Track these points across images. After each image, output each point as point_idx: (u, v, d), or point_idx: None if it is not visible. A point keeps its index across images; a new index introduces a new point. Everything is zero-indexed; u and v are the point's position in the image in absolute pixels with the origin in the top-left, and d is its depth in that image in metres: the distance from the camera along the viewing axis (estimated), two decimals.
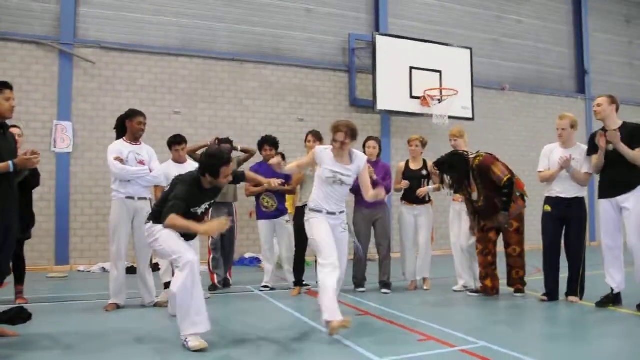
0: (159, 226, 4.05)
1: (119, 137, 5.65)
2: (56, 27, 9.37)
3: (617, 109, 5.40)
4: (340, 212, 4.65)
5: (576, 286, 5.54)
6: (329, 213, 4.56)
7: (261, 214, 6.78)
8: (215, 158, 4.12)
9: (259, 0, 10.85)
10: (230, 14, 10.61)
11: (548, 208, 5.67)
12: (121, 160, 5.40)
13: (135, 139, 5.63)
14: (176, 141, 6.36)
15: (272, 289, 6.69)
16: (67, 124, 9.27)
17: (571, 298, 5.54)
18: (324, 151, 4.63)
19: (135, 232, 5.49)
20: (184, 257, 3.90)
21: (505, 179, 5.69)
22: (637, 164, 5.05)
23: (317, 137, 6.50)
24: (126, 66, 9.77)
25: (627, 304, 5.26)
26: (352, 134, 4.56)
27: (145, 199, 5.57)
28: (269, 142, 6.89)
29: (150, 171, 5.56)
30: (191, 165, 6.44)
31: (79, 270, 8.96)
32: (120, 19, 9.85)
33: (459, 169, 5.89)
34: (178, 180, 4.23)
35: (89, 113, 9.48)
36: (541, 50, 13.99)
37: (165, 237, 4.02)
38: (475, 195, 5.93)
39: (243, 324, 4.83)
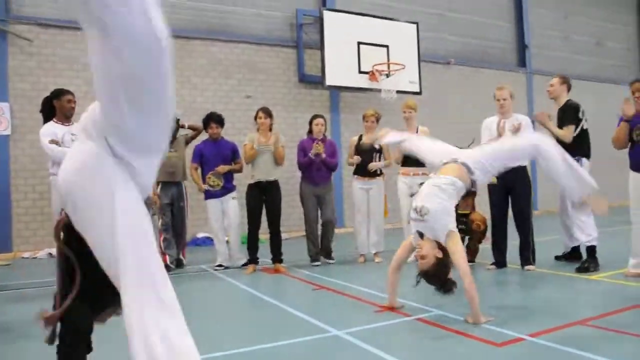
0: None
1: (47, 120, 5.45)
2: None
3: (568, 89, 5.87)
4: None
5: (529, 254, 5.75)
6: None
7: (208, 194, 6.72)
8: None
9: None
10: None
11: (494, 180, 5.85)
12: (57, 143, 5.24)
13: (66, 119, 5.46)
14: None
15: (226, 267, 6.68)
16: (3, 105, 8.86)
17: (528, 267, 5.71)
18: None
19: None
20: None
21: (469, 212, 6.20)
22: (565, 141, 5.34)
23: (267, 113, 6.51)
24: (67, 44, 9.37)
25: None
26: None
27: None
28: (214, 120, 6.80)
29: None
30: None
31: (23, 257, 8.66)
32: None
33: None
34: None
35: (28, 93, 9.07)
36: (484, 25, 14.28)
37: None
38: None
39: (197, 302, 4.82)
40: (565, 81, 5.95)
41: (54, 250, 8.46)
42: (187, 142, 7.26)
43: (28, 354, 3.47)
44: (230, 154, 6.74)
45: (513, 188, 5.77)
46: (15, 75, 9.00)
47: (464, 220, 6.06)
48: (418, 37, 11.74)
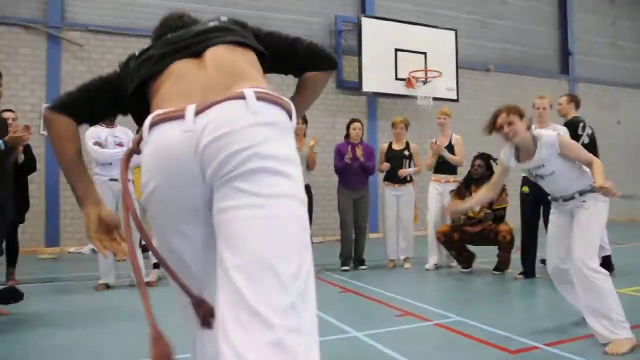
0: None
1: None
2: (43, 10, 9.40)
3: (576, 106, 6.03)
4: None
5: (525, 261, 5.81)
6: None
7: None
8: None
9: None
10: None
11: (526, 189, 5.86)
12: (100, 145, 5.54)
13: (109, 122, 5.70)
14: None
15: None
16: None
17: (519, 276, 5.78)
18: None
19: (119, 212, 5.64)
20: None
21: (506, 205, 6.28)
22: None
23: (303, 119, 6.68)
24: (115, 49, 9.81)
25: None
26: None
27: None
28: None
29: None
30: None
31: (69, 252, 9.11)
32: (108, 1, 9.87)
33: (489, 167, 6.44)
34: None
35: None
36: (526, 31, 14.13)
37: None
38: (477, 208, 6.22)
39: None
40: (573, 99, 6.21)
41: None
42: None
43: (72, 342, 3.74)
44: None
45: (545, 198, 5.76)
46: (68, 79, 9.48)
47: (497, 215, 6.23)
48: (457, 43, 11.74)
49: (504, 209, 6.27)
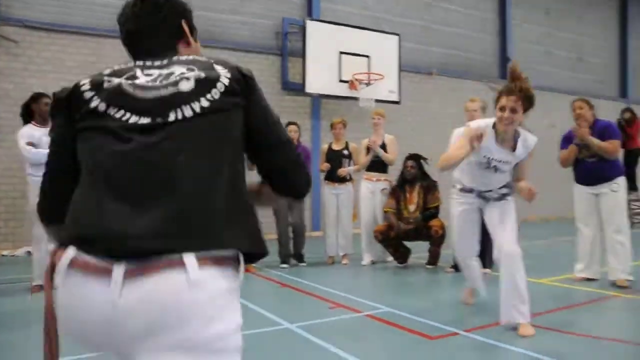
0: None
1: (26, 122, 5.65)
2: None
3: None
4: None
5: (484, 258, 5.81)
6: None
7: None
8: None
9: None
10: None
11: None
12: (33, 144, 5.44)
13: (44, 121, 5.62)
14: None
15: None
16: None
17: (484, 270, 5.85)
18: None
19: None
20: None
21: (438, 203, 6.55)
22: None
23: None
24: (52, 46, 9.59)
25: None
26: None
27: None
28: None
29: None
30: None
31: (2, 255, 8.84)
32: None
33: (421, 167, 6.70)
34: None
35: (12, 94, 9.26)
36: (468, 37, 14.59)
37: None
38: (412, 208, 6.48)
39: None
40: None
41: (32, 248, 8.67)
42: None
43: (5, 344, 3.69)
44: None
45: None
46: (1, 76, 9.21)
47: (429, 214, 6.46)
48: (400, 48, 12.03)
49: (437, 207, 6.52)
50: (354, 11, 12.53)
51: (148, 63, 1.46)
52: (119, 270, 1.14)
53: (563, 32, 16.62)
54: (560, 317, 4.04)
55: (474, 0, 14.79)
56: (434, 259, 6.47)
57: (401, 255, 6.66)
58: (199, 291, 1.16)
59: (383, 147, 6.88)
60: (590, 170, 5.34)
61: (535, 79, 15.46)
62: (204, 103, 1.33)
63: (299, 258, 6.89)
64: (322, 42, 10.97)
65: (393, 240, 6.54)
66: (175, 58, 1.49)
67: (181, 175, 1.23)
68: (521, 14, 15.60)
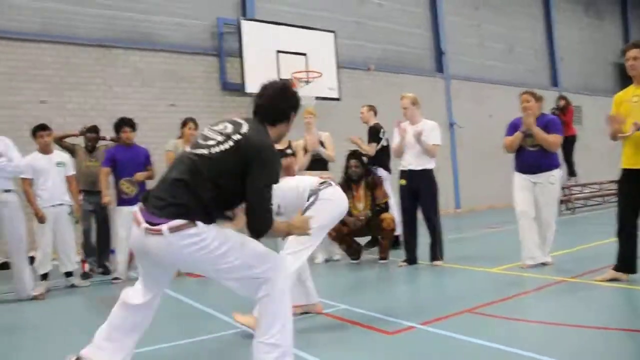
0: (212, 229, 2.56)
1: None
2: None
3: (375, 114, 7.45)
4: None
5: (436, 251, 6.15)
6: None
7: (121, 200, 6.46)
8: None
9: None
10: None
11: (403, 182, 6.26)
12: None
13: None
14: (41, 127, 6.18)
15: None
16: None
17: (436, 262, 6.10)
18: None
19: (6, 225, 5.36)
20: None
21: (387, 199, 6.70)
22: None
23: (196, 124, 6.82)
24: None
25: None
26: None
27: (9, 190, 5.44)
28: (127, 123, 6.68)
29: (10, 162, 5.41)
30: (59, 156, 6.34)
31: None
32: None
33: (364, 165, 6.79)
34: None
35: None
36: (402, 33, 14.87)
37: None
38: (360, 206, 6.59)
39: None
40: (372, 109, 7.74)
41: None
42: None
43: None
44: (144, 159, 6.64)
45: (420, 189, 6.15)
46: None
47: (379, 209, 6.57)
48: (336, 44, 12.14)
49: (386, 203, 6.64)
50: (289, 9, 12.56)
51: None
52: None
53: (493, 25, 17.20)
54: (512, 305, 4.22)
55: None
56: (384, 252, 6.60)
57: (354, 251, 6.75)
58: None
59: (321, 144, 6.95)
60: (530, 158, 5.59)
61: (470, 71, 16.05)
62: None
63: None
64: (259, 41, 10.95)
65: (346, 237, 6.62)
66: None
67: None
68: (451, 8, 16.03)
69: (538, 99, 5.66)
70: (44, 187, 5.96)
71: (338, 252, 6.99)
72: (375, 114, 7.89)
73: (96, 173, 6.83)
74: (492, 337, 3.29)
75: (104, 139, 7.45)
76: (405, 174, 6.23)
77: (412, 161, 6.15)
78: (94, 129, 7.36)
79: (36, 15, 9.72)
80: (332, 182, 4.13)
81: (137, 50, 10.61)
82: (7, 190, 5.41)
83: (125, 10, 10.54)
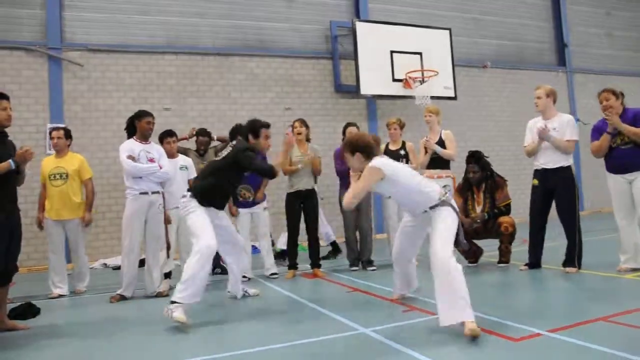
0: (194, 203, 4.72)
1: (129, 136, 5.93)
2: (43, 32, 9.58)
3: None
4: None
5: (573, 256, 5.62)
6: None
7: (238, 203, 6.75)
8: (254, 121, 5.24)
9: None
10: (213, 9, 10.81)
11: (536, 182, 5.86)
12: (133, 158, 5.69)
13: (144, 138, 5.90)
14: (167, 134, 6.62)
15: (249, 279, 6.52)
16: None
17: (569, 269, 5.60)
18: None
19: (148, 224, 5.80)
20: (202, 241, 4.49)
21: (509, 201, 6.38)
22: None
23: (303, 123, 6.88)
24: (114, 66, 9.98)
25: None
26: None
27: (157, 192, 5.87)
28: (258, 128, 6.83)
29: (160, 168, 5.86)
30: (183, 160, 6.73)
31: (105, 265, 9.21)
32: (105, 20, 10.04)
33: (486, 169, 6.45)
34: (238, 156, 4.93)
35: (80, 115, 9.71)
36: (520, 26, 14.22)
37: (196, 217, 4.67)
38: (479, 209, 6.36)
39: (240, 305, 5.13)
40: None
41: (108, 261, 9.00)
42: (217, 153, 7.65)
43: (91, 350, 3.85)
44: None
45: (555, 189, 5.71)
46: (70, 99, 9.65)
47: (498, 212, 6.30)
48: (451, 42, 11.85)
49: (508, 205, 6.33)
50: (402, 9, 12.46)
51: None
52: None
53: (623, 12, 15.93)
54: None
55: None
56: (505, 257, 6.31)
57: (472, 254, 6.53)
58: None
59: (441, 143, 6.76)
60: (624, 157, 5.26)
61: (595, 63, 14.99)
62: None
63: (368, 263, 6.84)
64: (373, 42, 10.95)
65: None
66: None
67: None
68: None
69: (618, 95, 5.34)
70: (169, 190, 6.31)
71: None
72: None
73: None
74: (629, 348, 3.04)
75: (212, 139, 7.79)
76: (538, 173, 5.83)
77: (547, 159, 5.73)
78: (205, 132, 7.68)
79: (161, 29, 10.42)
80: (450, 190, 4.20)
81: (253, 57, 11.04)
82: (155, 192, 5.83)
83: (240, 19, 11.00)
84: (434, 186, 4.09)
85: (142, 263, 5.89)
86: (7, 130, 4.55)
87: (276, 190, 9.45)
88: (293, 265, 6.74)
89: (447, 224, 3.91)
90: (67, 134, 6.62)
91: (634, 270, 5.29)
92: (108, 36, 10.03)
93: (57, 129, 6.66)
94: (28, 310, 4.95)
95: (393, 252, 4.75)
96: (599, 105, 5.53)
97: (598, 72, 15.05)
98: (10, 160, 4.30)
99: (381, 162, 4.00)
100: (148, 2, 10.36)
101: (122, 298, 5.71)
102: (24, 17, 9.54)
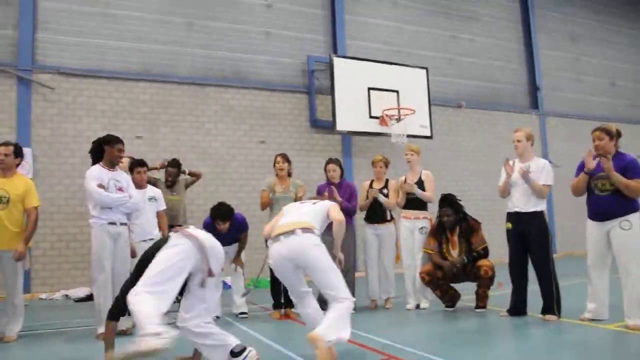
0: None
1: (94, 161, 5.55)
2: (14, 53, 9.29)
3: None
4: None
5: (551, 303, 5.48)
6: None
7: None
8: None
9: (218, 24, 10.96)
10: (190, 39, 10.69)
11: (509, 225, 5.77)
12: (103, 187, 5.34)
13: (112, 165, 5.55)
14: (138, 163, 6.39)
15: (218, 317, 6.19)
16: (26, 150, 9.13)
17: (548, 317, 5.45)
18: None
19: (117, 256, 5.45)
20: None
21: (485, 245, 6.21)
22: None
23: (285, 159, 6.76)
24: (86, 91, 9.72)
25: None
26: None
27: (125, 224, 5.57)
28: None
29: (130, 198, 5.55)
30: (151, 190, 6.50)
31: (40, 298, 8.80)
32: (80, 44, 9.81)
33: (459, 212, 6.30)
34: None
35: (48, 139, 9.39)
36: (495, 68, 14.48)
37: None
38: (455, 253, 6.21)
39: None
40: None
41: (70, 292, 8.62)
42: (187, 187, 7.50)
43: None
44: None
45: (529, 232, 5.61)
46: (38, 122, 9.33)
47: (476, 256, 6.15)
48: (428, 81, 11.94)
49: (485, 248, 6.22)
50: (380, 46, 12.56)
51: None
52: None
53: (592, 58, 16.40)
54: None
55: (498, 29, 14.70)
56: (482, 301, 6.18)
57: (450, 298, 6.39)
58: None
59: (420, 183, 6.67)
60: (601, 204, 5.15)
61: (567, 107, 15.30)
62: None
63: None
64: (350, 78, 10.95)
65: (441, 282, 6.28)
66: None
67: None
68: (546, 41, 15.45)
69: (613, 136, 5.18)
70: (136, 222, 6.05)
71: (426, 299, 6.61)
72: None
73: (176, 207, 6.97)
74: None
75: (183, 172, 7.61)
76: (511, 216, 5.75)
77: (520, 202, 5.65)
78: (176, 163, 7.52)
79: (137, 56, 10.25)
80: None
81: (228, 88, 10.91)
82: (123, 224, 5.51)
83: (218, 49, 10.90)
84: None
85: (90, 297, 5.45)
86: None
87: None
88: (279, 305, 6.45)
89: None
90: (18, 152, 5.59)
91: (592, 320, 5.22)
92: (81, 60, 9.78)
93: (7, 144, 5.57)
94: None
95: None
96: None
97: (570, 115, 15.36)
98: None
99: None
100: (124, 28, 10.18)
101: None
102: None
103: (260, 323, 6.08)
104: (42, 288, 9.05)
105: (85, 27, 9.89)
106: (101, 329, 5.21)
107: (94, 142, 5.63)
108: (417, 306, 6.58)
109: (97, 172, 5.41)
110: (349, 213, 6.56)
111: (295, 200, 6.39)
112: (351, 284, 6.60)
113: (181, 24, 10.64)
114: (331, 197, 6.48)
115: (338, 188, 6.51)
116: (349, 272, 6.61)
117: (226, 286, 7.64)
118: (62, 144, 9.44)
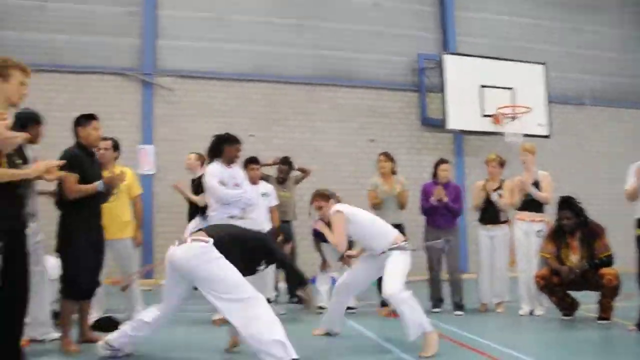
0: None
1: (212, 158, 5.78)
2: (139, 59, 10.01)
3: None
4: None
5: None
6: None
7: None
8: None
9: (328, 25, 11.11)
10: (301, 39, 10.92)
11: (639, 231, 5.27)
12: (223, 184, 5.60)
13: (229, 162, 5.76)
14: (251, 160, 6.59)
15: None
16: (149, 148, 9.82)
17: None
18: None
19: None
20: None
21: (610, 252, 5.71)
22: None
23: (388, 157, 6.71)
24: (202, 92, 10.26)
25: None
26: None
27: (241, 218, 5.76)
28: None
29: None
30: (264, 186, 6.69)
31: (162, 284, 9.29)
32: (196, 48, 10.38)
33: (580, 216, 5.87)
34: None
35: (169, 137, 10.00)
36: (624, 61, 13.33)
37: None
38: (574, 258, 5.80)
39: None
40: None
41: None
42: (297, 183, 7.60)
43: None
44: None
45: None
46: (160, 122, 9.97)
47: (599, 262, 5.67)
48: (546, 77, 11.31)
49: (609, 255, 5.74)
50: (492, 42, 12.07)
51: None
52: None
53: None
54: None
55: (626, 18, 13.50)
56: (606, 313, 5.68)
57: (568, 306, 5.96)
58: None
59: (536, 184, 6.33)
60: None
61: None
62: None
63: (458, 307, 6.44)
64: (461, 76, 10.65)
65: (557, 288, 5.87)
66: None
67: None
68: None
69: None
70: (250, 216, 6.21)
71: (542, 306, 6.23)
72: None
73: (287, 203, 7.12)
74: None
75: (293, 169, 7.74)
76: None
77: None
78: (287, 161, 7.67)
79: (249, 57, 10.63)
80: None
81: (338, 87, 11.00)
82: (240, 218, 5.64)
83: (328, 49, 11.04)
84: (393, 231, 4.84)
85: None
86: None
87: None
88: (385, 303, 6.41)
89: (396, 264, 4.54)
90: (116, 146, 5.74)
91: None
92: (198, 63, 10.34)
93: (105, 139, 5.55)
94: (109, 323, 4.97)
95: (339, 282, 5.14)
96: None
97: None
98: (99, 183, 4.37)
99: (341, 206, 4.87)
100: (237, 31, 10.61)
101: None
102: (123, 45, 10.06)
103: (367, 319, 6.04)
104: (164, 275, 9.55)
105: (201, 32, 10.45)
106: (217, 316, 5.44)
107: (213, 140, 5.84)
108: (531, 312, 6.23)
109: (217, 170, 5.66)
110: (453, 214, 6.53)
111: (398, 197, 6.49)
112: (457, 284, 6.45)
113: (291, 26, 10.90)
114: (437, 199, 6.38)
115: (445, 189, 6.51)
116: (454, 272, 6.46)
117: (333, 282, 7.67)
118: (181, 141, 9.99)
